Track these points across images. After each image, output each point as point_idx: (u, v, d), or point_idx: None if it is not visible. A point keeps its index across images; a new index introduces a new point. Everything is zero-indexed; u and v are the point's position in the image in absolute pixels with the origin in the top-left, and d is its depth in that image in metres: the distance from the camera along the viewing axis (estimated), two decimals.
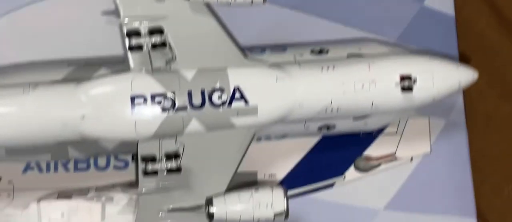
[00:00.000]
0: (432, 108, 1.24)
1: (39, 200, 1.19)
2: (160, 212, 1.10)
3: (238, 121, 1.09)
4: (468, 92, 1.30)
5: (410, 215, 1.22)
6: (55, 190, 1.19)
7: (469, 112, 1.28)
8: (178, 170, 1.08)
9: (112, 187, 1.20)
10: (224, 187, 1.10)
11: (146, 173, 1.08)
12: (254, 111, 1.09)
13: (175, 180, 1.09)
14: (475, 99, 1.41)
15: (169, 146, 1.09)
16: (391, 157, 1.24)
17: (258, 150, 1.21)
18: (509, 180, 1.44)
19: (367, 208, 1.22)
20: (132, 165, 1.21)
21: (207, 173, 1.10)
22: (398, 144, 1.24)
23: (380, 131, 1.24)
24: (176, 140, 1.09)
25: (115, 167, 1.21)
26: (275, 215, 1.09)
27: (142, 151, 1.08)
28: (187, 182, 1.09)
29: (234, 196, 1.09)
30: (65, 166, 1.21)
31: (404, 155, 1.24)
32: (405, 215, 1.22)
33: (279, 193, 1.09)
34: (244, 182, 1.15)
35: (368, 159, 1.23)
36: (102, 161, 1.21)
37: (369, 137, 1.24)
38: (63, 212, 1.19)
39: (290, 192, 1.13)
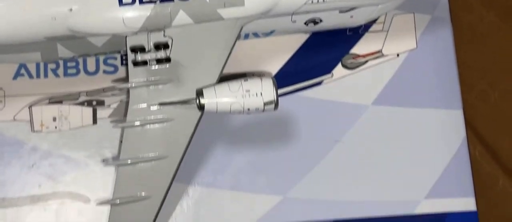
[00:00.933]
0: (417, 4, 1.25)
1: (30, 105, 1.20)
2: (151, 106, 1.10)
3: (225, 12, 1.09)
4: (453, 4, 1.31)
5: (398, 109, 1.23)
6: (46, 95, 1.20)
7: (455, 23, 1.29)
8: (167, 60, 1.08)
9: (102, 90, 1.21)
10: (214, 80, 1.10)
11: (135, 63, 1.08)
12: (240, 2, 1.09)
13: (165, 73, 1.09)
14: (460, 10, 1.42)
15: (158, 38, 1.09)
16: (378, 54, 1.25)
17: (247, 51, 1.22)
18: (495, 87, 1.45)
19: (356, 104, 1.23)
20: (121, 69, 1.22)
21: (197, 66, 1.10)
22: (384, 41, 1.25)
23: (366, 29, 1.25)
24: (164, 33, 1.09)
25: (105, 72, 1.22)
26: (265, 104, 1.09)
27: (131, 42, 1.09)
28: (177, 75, 1.10)
29: (224, 87, 1.09)
30: (55, 72, 1.21)
31: (391, 51, 1.25)
32: (393, 109, 1.23)
33: (268, 82, 1.10)
34: (233, 75, 1.16)
35: (355, 56, 1.24)
36: (91, 66, 1.22)
37: (355, 35, 1.25)
38: (54, 116, 1.19)
39: (280, 91, 1.13)
